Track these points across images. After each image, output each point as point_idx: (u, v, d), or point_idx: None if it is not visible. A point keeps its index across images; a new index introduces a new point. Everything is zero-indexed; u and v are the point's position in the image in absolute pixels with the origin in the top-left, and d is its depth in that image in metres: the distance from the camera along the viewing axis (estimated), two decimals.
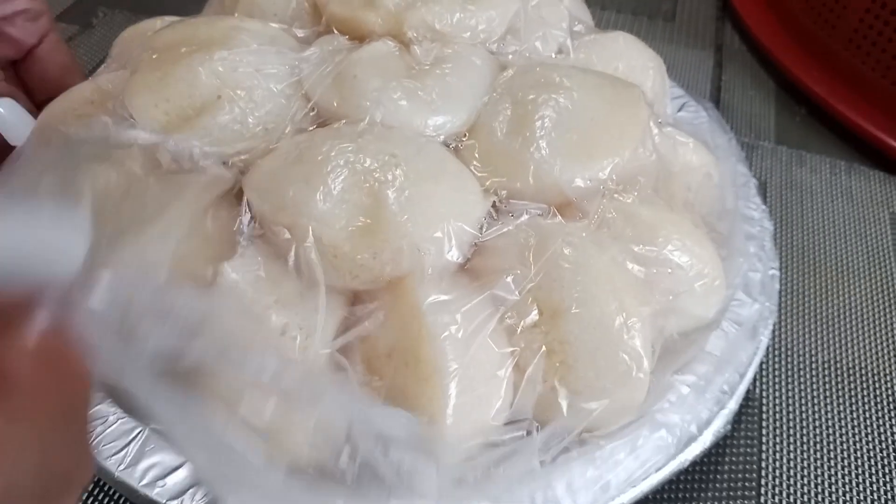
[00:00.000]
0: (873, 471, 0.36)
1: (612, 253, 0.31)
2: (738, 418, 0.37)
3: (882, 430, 0.37)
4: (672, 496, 0.35)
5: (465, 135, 0.35)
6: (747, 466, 0.36)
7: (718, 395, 0.32)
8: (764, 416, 0.38)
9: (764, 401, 0.38)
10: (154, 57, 0.36)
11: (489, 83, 0.36)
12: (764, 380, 0.39)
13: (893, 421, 0.38)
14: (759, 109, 0.56)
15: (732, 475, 0.36)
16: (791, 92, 0.57)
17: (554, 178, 0.33)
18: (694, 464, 0.32)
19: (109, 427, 0.30)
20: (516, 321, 0.30)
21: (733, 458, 0.36)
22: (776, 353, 0.40)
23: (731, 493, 0.35)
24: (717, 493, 0.35)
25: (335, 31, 0.39)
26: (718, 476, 0.35)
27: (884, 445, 0.37)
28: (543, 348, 0.30)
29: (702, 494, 0.35)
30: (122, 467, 0.29)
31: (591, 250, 0.31)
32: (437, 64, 0.36)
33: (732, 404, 0.32)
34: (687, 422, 0.31)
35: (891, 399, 0.39)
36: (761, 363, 0.35)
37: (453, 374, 0.28)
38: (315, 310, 0.30)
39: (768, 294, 0.37)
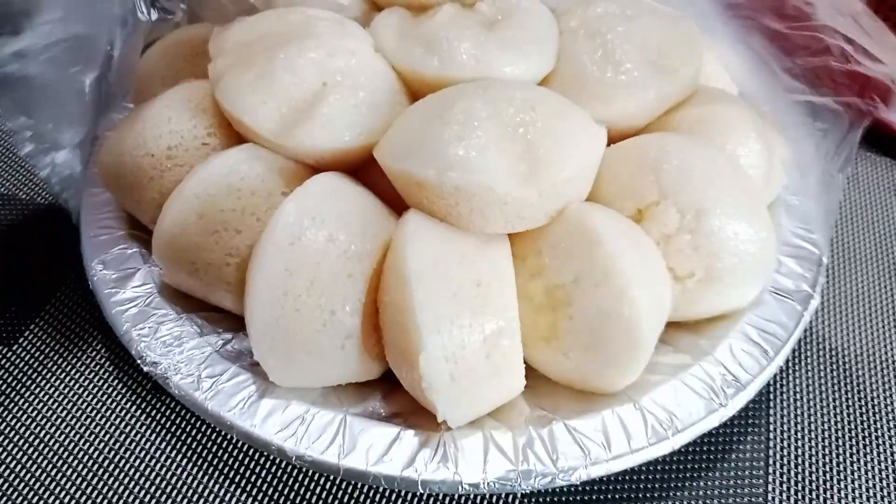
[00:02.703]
0: (880, 451, 0.36)
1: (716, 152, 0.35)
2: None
3: (888, 411, 0.38)
4: (678, 476, 0.35)
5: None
6: (755, 447, 0.36)
7: (762, 351, 0.34)
8: (772, 401, 0.38)
9: (772, 386, 0.38)
10: (233, 58, 0.36)
11: (556, 26, 0.38)
12: None
13: None
14: None
15: (740, 454, 0.36)
16: None
17: (648, 97, 0.36)
18: (703, 441, 0.33)
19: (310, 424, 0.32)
20: (661, 232, 0.33)
21: (741, 439, 0.36)
22: None
23: (739, 474, 0.35)
24: (724, 473, 0.35)
25: (379, 7, 0.40)
26: (727, 455, 0.36)
27: (891, 426, 0.37)
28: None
29: (709, 474, 0.35)
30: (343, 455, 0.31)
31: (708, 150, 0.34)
32: (508, 16, 0.37)
33: (779, 360, 0.34)
34: (734, 373, 0.33)
35: None
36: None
37: (640, 284, 0.30)
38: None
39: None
